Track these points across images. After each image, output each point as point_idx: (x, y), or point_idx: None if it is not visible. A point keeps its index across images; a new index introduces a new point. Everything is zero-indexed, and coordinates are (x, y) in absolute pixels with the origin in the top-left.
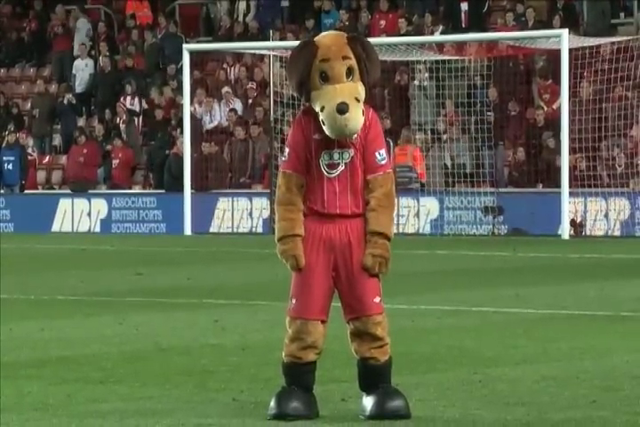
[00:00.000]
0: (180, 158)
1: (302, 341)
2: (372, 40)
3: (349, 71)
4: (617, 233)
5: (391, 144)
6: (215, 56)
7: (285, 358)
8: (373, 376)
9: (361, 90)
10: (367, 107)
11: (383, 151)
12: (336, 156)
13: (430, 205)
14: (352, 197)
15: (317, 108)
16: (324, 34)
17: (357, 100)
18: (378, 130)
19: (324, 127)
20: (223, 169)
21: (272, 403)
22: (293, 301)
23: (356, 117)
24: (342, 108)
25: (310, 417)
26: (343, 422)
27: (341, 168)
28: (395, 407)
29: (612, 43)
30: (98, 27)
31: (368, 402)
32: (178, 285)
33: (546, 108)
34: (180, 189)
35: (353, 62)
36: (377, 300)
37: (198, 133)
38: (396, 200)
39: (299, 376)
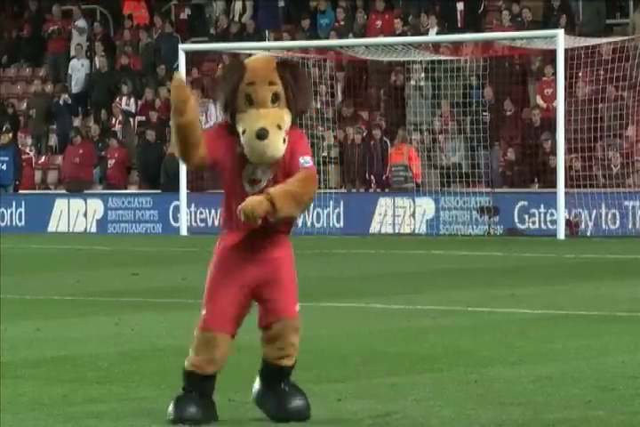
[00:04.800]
0: (175, 159)
1: (208, 353)
2: (368, 40)
3: (275, 97)
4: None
5: (388, 144)
6: (211, 56)
7: (187, 365)
8: (276, 376)
9: (286, 117)
10: (293, 130)
11: (309, 158)
12: (259, 173)
13: (426, 206)
14: None
15: (240, 131)
16: (255, 56)
17: (279, 128)
18: (302, 147)
19: (245, 151)
20: None
21: (170, 408)
22: (203, 312)
23: (276, 144)
24: (262, 134)
25: (208, 422)
26: (339, 423)
27: (263, 184)
28: (297, 408)
29: (608, 43)
30: (94, 27)
31: (269, 400)
32: (174, 285)
33: (545, 105)
34: (176, 189)
35: (279, 88)
36: (297, 308)
37: None
38: (309, 196)
39: (198, 384)
